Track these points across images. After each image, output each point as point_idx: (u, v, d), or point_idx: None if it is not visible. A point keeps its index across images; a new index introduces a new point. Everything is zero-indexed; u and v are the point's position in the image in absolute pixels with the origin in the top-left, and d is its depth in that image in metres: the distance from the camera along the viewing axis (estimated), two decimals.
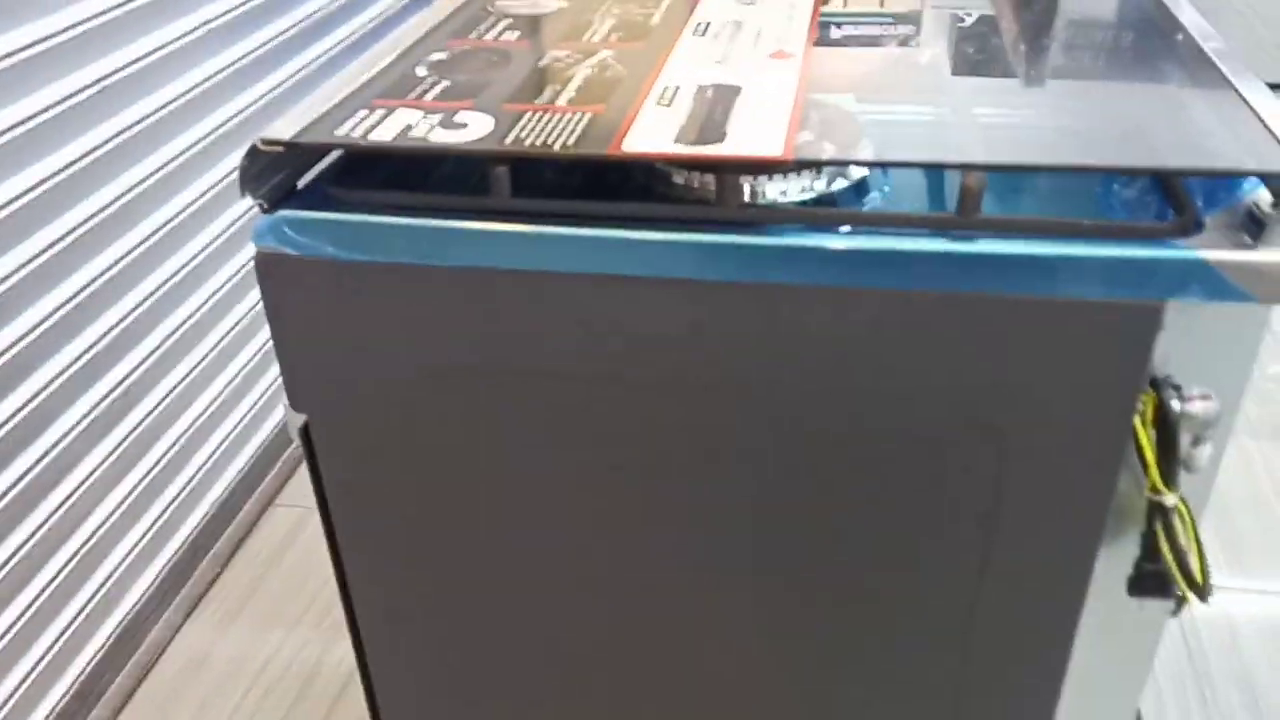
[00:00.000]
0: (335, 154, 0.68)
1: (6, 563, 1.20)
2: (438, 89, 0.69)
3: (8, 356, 1.16)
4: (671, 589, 0.73)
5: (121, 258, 1.32)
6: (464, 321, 0.64)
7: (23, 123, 1.13)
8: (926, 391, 0.62)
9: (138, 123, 1.32)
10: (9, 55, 1.11)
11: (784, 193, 0.65)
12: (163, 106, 1.36)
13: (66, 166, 1.20)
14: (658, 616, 0.74)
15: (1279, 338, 1.94)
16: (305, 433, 0.71)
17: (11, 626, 1.23)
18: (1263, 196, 0.57)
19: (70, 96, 1.19)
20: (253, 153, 0.61)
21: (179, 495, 1.51)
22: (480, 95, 0.67)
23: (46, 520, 1.26)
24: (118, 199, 1.29)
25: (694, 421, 0.65)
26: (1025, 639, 0.71)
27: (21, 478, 1.20)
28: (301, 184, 0.66)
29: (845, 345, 0.61)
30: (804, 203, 0.65)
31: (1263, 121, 0.60)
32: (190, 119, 1.42)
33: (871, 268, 0.58)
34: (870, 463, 0.65)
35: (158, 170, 1.36)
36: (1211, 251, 0.56)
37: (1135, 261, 0.57)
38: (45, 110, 1.15)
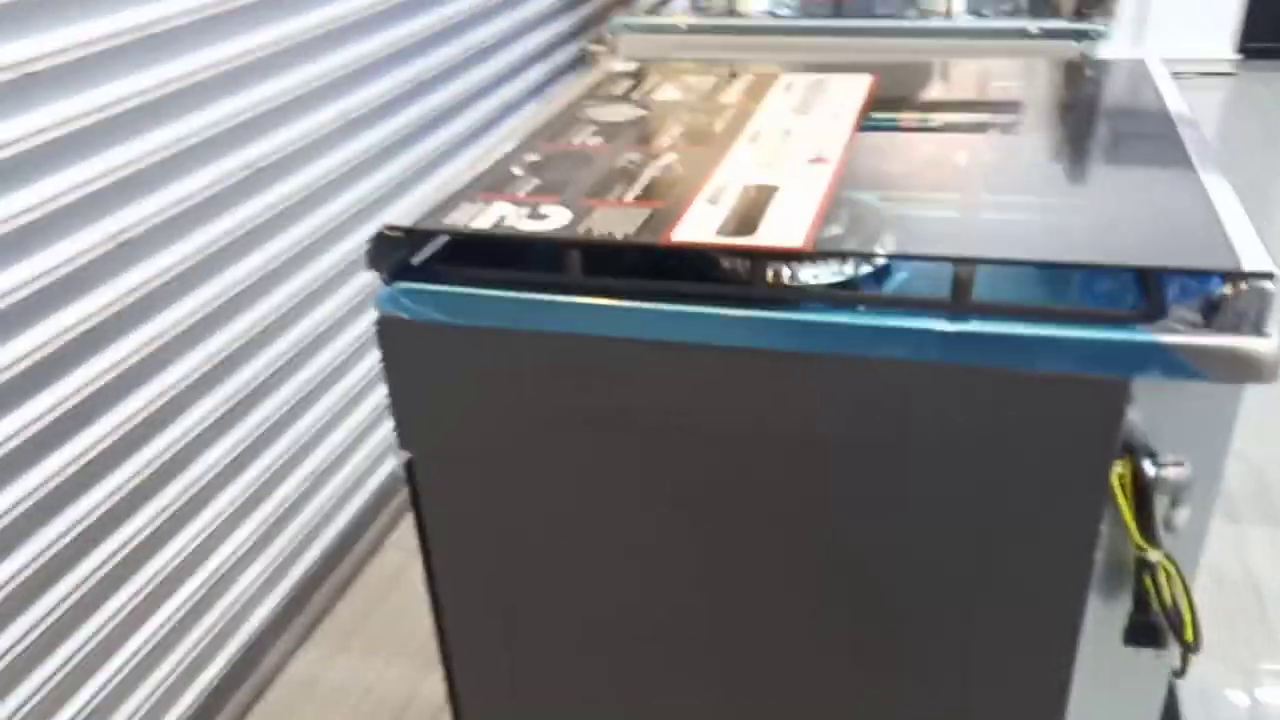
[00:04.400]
0: (443, 237, 0.83)
1: (144, 588, 1.37)
2: (530, 185, 0.83)
3: (157, 405, 1.34)
4: (743, 617, 0.83)
5: (261, 319, 1.50)
6: (539, 378, 0.77)
7: (182, 200, 1.32)
8: (926, 449, 0.73)
9: (281, 201, 1.51)
10: (172, 144, 1.30)
11: (816, 276, 0.77)
12: (303, 187, 1.55)
13: (219, 238, 1.39)
14: (733, 656, 0.85)
15: None
16: (410, 469, 0.85)
17: (144, 644, 1.39)
18: (1218, 290, 0.67)
19: (221, 179, 1.38)
20: (379, 236, 0.76)
21: (300, 533, 1.67)
22: (564, 191, 0.81)
23: (181, 550, 1.43)
24: (261, 267, 1.48)
25: (723, 466, 0.76)
26: (1022, 684, 0.79)
27: (163, 510, 1.38)
28: (416, 261, 0.81)
29: (853, 408, 0.72)
30: (834, 285, 0.76)
31: (1222, 226, 0.70)
32: (324, 199, 1.61)
33: (873, 341, 0.70)
34: (873, 512, 0.76)
35: (297, 244, 1.55)
36: (1167, 336, 0.66)
37: (1100, 343, 0.67)
38: (203, 188, 1.34)
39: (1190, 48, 3.79)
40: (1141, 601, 0.79)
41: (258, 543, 1.59)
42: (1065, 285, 0.76)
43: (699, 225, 0.74)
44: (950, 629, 0.78)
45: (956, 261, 0.70)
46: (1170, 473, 0.72)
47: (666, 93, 1.05)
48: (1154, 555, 0.75)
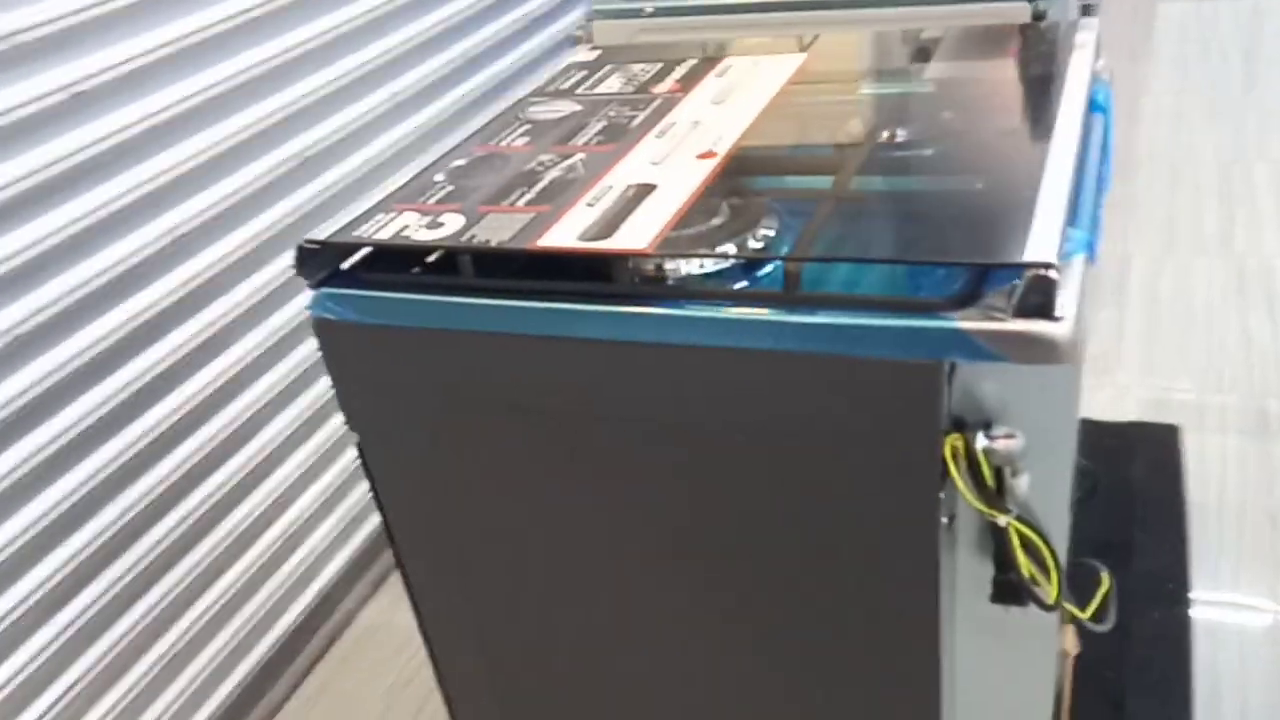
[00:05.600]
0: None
1: (226, 537, 1.55)
2: (442, 193, 0.92)
3: (229, 375, 1.50)
4: (648, 586, 0.92)
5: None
6: (441, 370, 0.86)
7: (231, 195, 1.47)
8: (775, 432, 0.79)
9: (329, 188, 1.65)
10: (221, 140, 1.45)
11: (702, 265, 0.84)
12: (350, 172, 1.68)
13: (273, 224, 1.54)
14: (647, 617, 0.94)
15: None
16: (360, 449, 0.96)
17: (230, 588, 1.57)
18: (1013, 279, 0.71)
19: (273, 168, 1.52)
20: (300, 248, 0.87)
21: (367, 495, 1.83)
22: (468, 198, 0.90)
23: (258, 505, 1.60)
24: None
25: (603, 451, 0.85)
26: (894, 648, 0.85)
27: (240, 470, 1.55)
28: (346, 266, 0.91)
29: (705, 397, 0.79)
30: (712, 275, 0.82)
31: (1032, 214, 0.73)
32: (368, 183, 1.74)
33: (714, 331, 0.76)
34: (738, 497, 0.83)
35: None
36: (965, 322, 0.70)
37: (911, 330, 0.72)
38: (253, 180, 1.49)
39: None
40: (1001, 563, 0.84)
41: (327, 501, 1.75)
42: (914, 270, 0.81)
43: (568, 230, 0.82)
44: (820, 601, 0.85)
45: (783, 259, 0.75)
46: (1000, 444, 0.76)
47: (609, 84, 1.12)
48: (1002, 519, 0.79)
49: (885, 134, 0.93)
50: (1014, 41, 1.09)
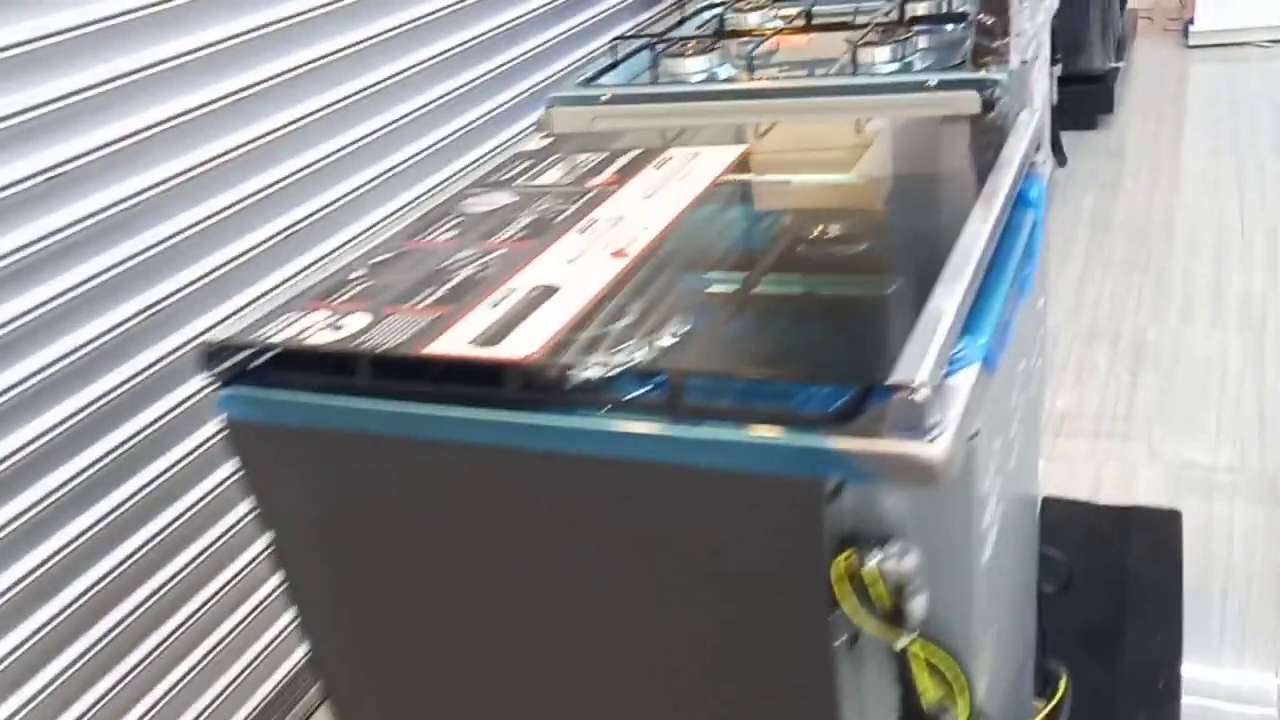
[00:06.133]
0: None
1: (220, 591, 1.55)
2: (356, 290, 0.92)
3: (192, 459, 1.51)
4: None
5: None
6: (338, 471, 0.86)
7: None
8: (669, 544, 0.77)
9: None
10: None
11: (607, 365, 0.82)
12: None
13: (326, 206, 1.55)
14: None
15: None
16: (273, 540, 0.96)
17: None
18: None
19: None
20: (200, 348, 0.87)
21: None
22: (378, 297, 0.90)
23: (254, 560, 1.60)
24: None
25: (508, 553, 0.83)
26: None
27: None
28: (255, 365, 0.91)
29: (596, 506, 0.77)
30: (607, 381, 0.81)
31: (915, 327, 0.71)
32: None
33: (596, 442, 0.75)
34: (631, 597, 0.80)
35: None
36: (834, 441, 0.68)
37: (787, 448, 0.70)
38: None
39: None
40: (907, 688, 0.81)
41: None
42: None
43: (462, 334, 0.81)
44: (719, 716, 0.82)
45: (671, 373, 0.74)
46: (891, 565, 0.73)
47: (550, 175, 1.11)
48: (899, 642, 0.76)
49: (804, 231, 0.92)
50: (957, 134, 1.07)
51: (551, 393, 0.77)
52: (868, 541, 0.75)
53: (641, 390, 0.75)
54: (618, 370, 0.76)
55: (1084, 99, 3.54)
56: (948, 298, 0.74)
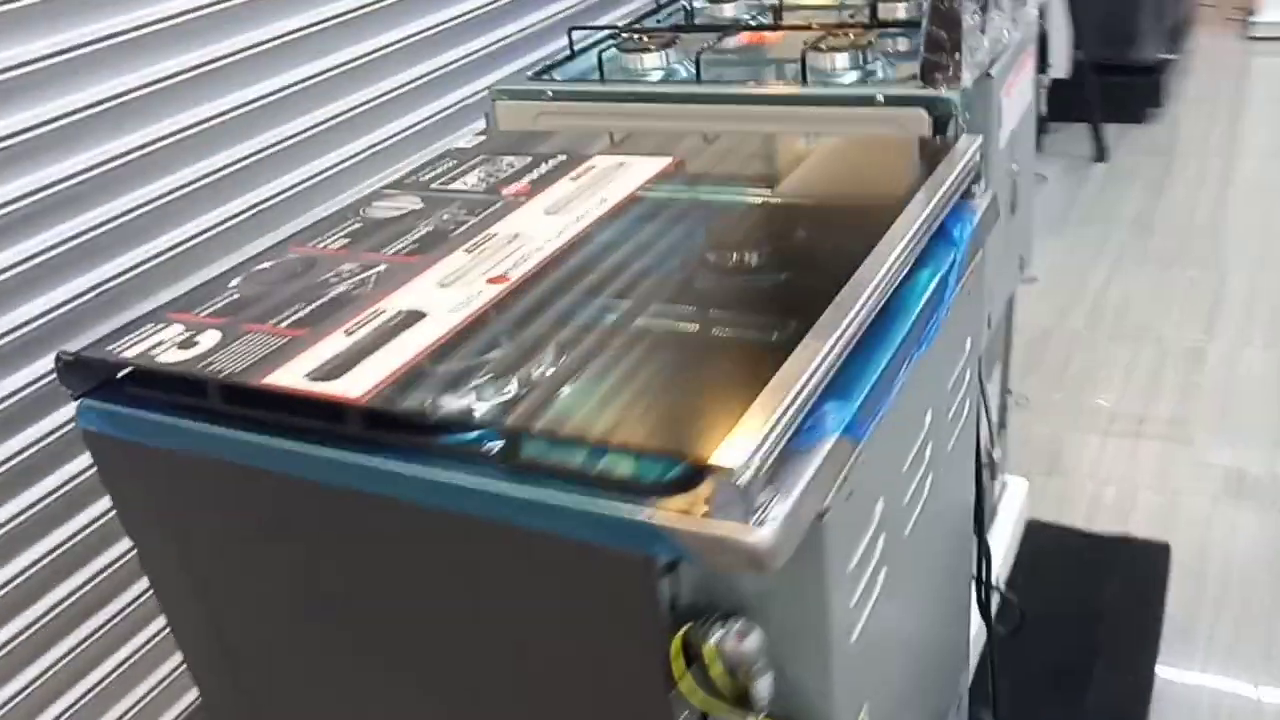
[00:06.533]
0: None
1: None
2: (223, 302, 0.87)
3: None
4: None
5: None
6: (184, 487, 0.82)
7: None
8: (499, 599, 0.72)
9: None
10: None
11: (437, 412, 0.75)
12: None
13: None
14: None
15: None
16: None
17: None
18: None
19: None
20: (57, 358, 0.83)
21: None
22: (241, 313, 0.85)
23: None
24: None
25: (351, 580, 0.79)
26: None
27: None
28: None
29: (422, 553, 0.73)
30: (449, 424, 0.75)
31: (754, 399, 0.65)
32: None
33: (425, 490, 0.70)
34: (473, 653, 0.76)
35: None
36: (662, 516, 0.62)
37: (611, 519, 0.64)
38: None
39: None
40: None
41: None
42: None
43: (305, 363, 0.76)
44: None
45: (496, 426, 0.69)
46: (731, 645, 0.68)
47: (468, 179, 1.06)
48: None
49: (699, 259, 0.85)
50: (894, 156, 0.99)
51: (381, 435, 0.72)
52: (709, 617, 0.69)
53: (473, 442, 0.70)
54: (448, 418, 0.70)
55: (1131, 91, 3.39)
56: (808, 360, 0.68)
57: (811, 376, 0.67)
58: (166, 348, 0.82)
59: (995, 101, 1.16)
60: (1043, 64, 1.35)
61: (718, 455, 0.60)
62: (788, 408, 0.64)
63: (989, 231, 0.96)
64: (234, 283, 0.91)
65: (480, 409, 0.70)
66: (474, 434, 0.70)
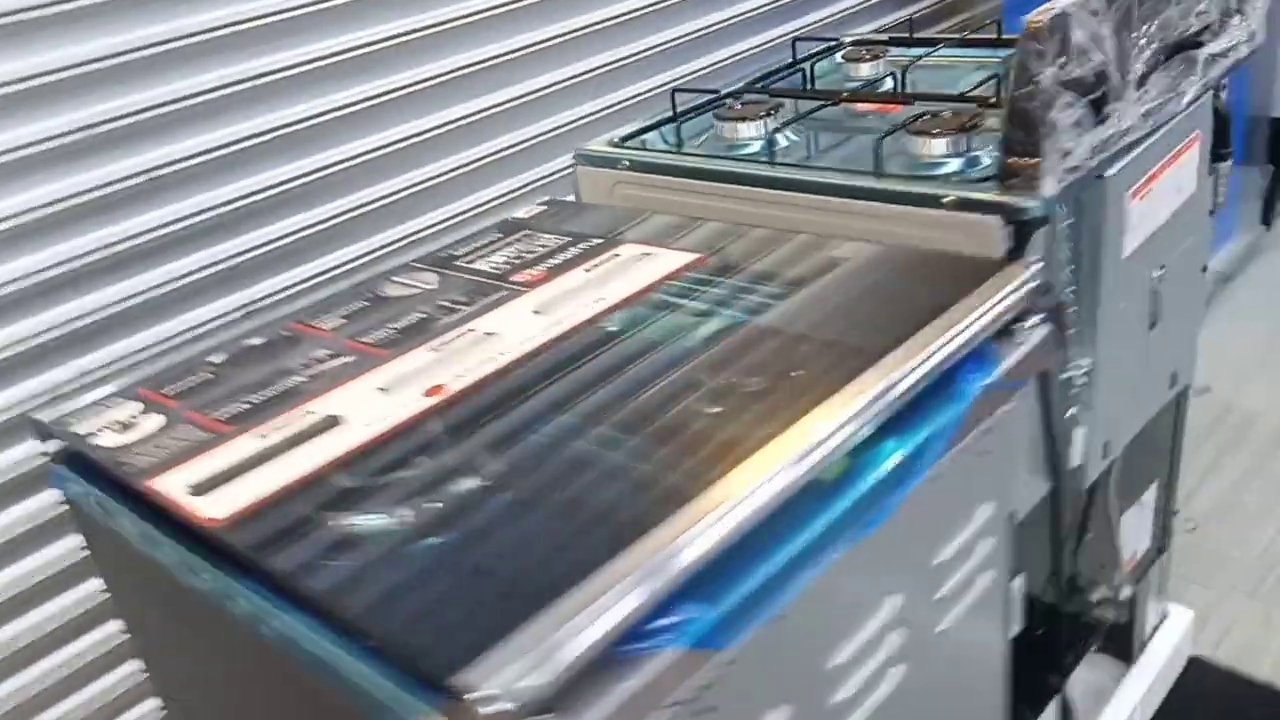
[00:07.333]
0: None
1: None
2: (192, 383, 0.87)
3: None
4: None
5: None
6: (124, 561, 0.82)
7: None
8: None
9: None
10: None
11: (279, 548, 0.69)
12: None
13: None
14: None
15: None
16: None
17: None
18: None
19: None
20: (32, 424, 0.85)
21: None
22: (195, 398, 0.84)
23: None
24: None
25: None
26: None
27: None
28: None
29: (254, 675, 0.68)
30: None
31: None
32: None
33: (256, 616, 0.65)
34: None
35: None
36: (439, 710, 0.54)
37: (393, 695, 0.57)
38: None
39: None
40: None
41: None
42: None
43: (199, 469, 0.73)
44: None
45: (322, 571, 0.63)
46: None
47: (495, 258, 1.01)
48: None
49: (658, 383, 0.76)
50: (923, 280, 0.85)
51: (234, 558, 0.68)
52: None
53: (299, 583, 0.64)
54: (282, 558, 0.65)
55: None
56: (660, 547, 0.57)
57: (659, 570, 0.57)
58: (107, 429, 0.81)
59: (1115, 207, 0.97)
60: (1220, 149, 1.13)
61: (479, 673, 0.52)
62: (602, 609, 0.54)
63: (1037, 371, 0.80)
64: (213, 359, 0.90)
65: (312, 551, 0.65)
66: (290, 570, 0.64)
